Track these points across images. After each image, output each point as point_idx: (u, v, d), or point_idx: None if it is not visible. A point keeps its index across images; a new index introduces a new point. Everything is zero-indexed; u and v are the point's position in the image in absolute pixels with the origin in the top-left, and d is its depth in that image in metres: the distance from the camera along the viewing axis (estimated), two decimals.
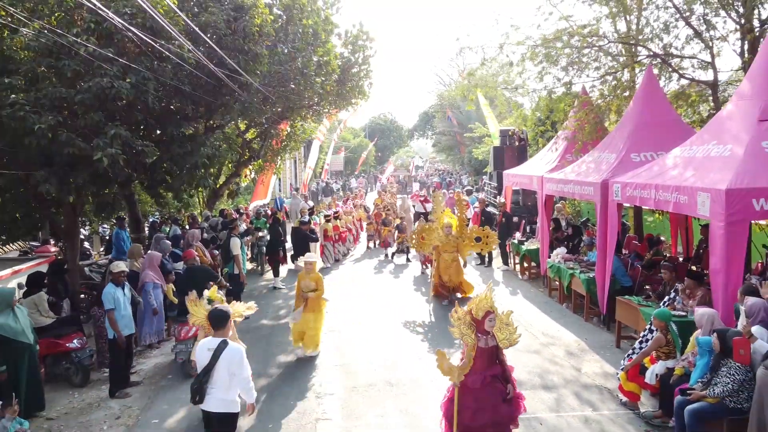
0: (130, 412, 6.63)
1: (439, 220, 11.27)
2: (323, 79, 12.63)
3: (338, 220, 16.43)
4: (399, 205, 18.48)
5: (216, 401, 4.57)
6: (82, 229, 13.22)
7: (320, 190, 32.41)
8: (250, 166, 17.51)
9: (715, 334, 5.19)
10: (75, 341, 7.40)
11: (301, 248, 12.79)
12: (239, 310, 5.91)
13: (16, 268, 11.24)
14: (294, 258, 11.57)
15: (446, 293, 10.89)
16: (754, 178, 6.07)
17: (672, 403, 5.49)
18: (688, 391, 5.33)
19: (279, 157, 18.14)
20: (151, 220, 15.75)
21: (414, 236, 11.58)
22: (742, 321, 5.48)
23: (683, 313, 6.84)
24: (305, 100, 13.79)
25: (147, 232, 13.07)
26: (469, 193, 22.16)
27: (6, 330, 5.94)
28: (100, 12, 6.52)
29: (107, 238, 16.68)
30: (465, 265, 11.13)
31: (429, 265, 12.89)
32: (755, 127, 6.62)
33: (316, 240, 14.46)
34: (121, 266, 7.14)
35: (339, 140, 40.41)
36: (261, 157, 16.62)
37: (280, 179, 30.35)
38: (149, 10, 6.50)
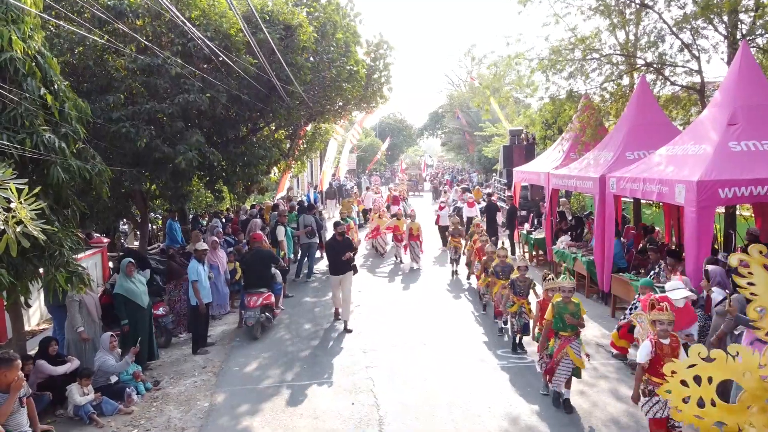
0: (212, 364, 8.18)
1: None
2: (352, 85, 14.12)
3: (381, 219, 16.62)
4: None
5: None
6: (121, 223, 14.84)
7: (327, 192, 28.59)
8: (278, 165, 19.04)
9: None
10: (161, 309, 8.96)
11: (339, 264, 9.57)
12: None
13: (77, 256, 12.90)
14: (333, 272, 9.62)
15: None
16: (720, 172, 7.50)
17: None
18: None
19: (305, 156, 19.65)
20: (192, 214, 17.34)
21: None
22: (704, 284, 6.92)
23: (663, 285, 8.27)
24: (335, 104, 15.30)
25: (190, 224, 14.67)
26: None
27: (128, 292, 7.52)
28: (188, 32, 8.04)
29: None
30: None
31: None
32: (724, 130, 8.04)
33: (355, 251, 11.04)
34: (204, 246, 8.67)
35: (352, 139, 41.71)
36: (290, 156, 18.13)
37: (298, 178, 31.82)
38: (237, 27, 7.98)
